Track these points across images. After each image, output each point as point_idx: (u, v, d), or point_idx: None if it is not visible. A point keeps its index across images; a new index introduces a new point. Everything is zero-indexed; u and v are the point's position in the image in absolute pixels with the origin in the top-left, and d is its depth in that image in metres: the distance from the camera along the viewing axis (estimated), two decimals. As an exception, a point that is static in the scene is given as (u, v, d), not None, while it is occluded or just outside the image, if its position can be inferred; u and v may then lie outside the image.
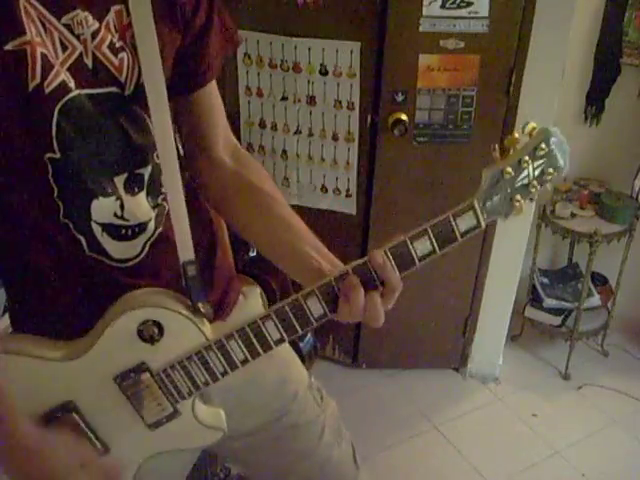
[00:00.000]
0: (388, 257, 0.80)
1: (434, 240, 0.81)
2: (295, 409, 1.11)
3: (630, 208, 2.53)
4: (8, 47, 0.72)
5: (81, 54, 0.79)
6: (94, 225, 0.84)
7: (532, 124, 0.81)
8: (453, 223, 0.81)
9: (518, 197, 0.87)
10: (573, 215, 2.54)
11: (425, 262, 0.82)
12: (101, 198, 0.83)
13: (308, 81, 2.10)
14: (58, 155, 0.79)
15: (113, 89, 0.82)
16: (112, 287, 0.87)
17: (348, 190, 2.25)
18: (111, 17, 0.80)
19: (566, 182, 2.69)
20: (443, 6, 1.92)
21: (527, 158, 0.82)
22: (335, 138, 2.18)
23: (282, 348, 0.98)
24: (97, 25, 0.79)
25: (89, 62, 0.79)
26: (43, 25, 0.75)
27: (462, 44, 1.98)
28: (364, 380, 2.55)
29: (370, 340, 2.52)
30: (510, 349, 2.66)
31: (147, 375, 0.85)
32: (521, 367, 2.65)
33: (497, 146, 0.82)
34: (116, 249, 0.87)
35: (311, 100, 2.13)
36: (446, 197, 2.23)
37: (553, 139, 0.81)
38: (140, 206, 0.87)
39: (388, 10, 1.93)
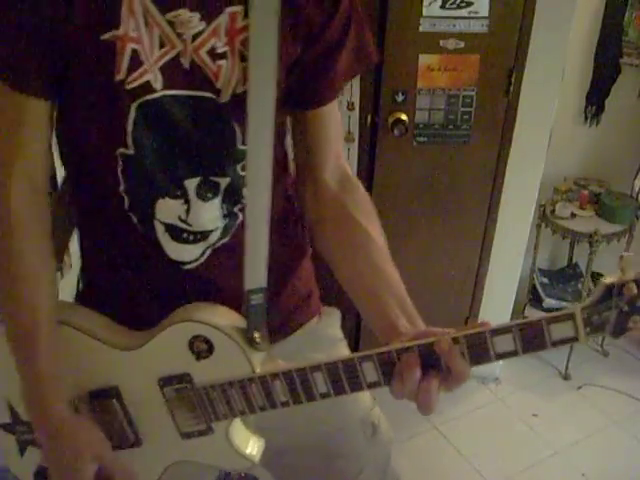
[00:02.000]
0: (462, 345, 0.72)
1: (518, 341, 0.71)
2: (338, 439, 1.04)
3: (630, 208, 2.53)
4: (104, 37, 0.73)
5: (179, 54, 0.77)
6: (157, 223, 0.84)
7: None
8: (545, 328, 0.71)
9: (638, 318, 0.69)
10: (573, 215, 2.54)
11: (503, 360, 0.73)
12: (167, 199, 0.83)
13: (308, 81, 2.10)
14: (131, 151, 0.79)
15: (207, 94, 0.79)
16: (169, 284, 0.88)
17: (348, 190, 2.25)
18: (223, 19, 0.77)
19: (566, 182, 2.69)
20: (443, 6, 1.92)
21: None
22: (335, 138, 2.17)
23: None
24: (202, 27, 0.76)
25: (186, 63, 0.77)
26: (145, 19, 0.74)
27: (462, 44, 1.98)
28: (364, 380, 2.55)
29: (371, 340, 2.52)
30: (510, 349, 2.66)
31: (189, 387, 0.84)
32: (521, 367, 2.65)
33: (624, 255, 0.69)
34: (174, 250, 0.86)
35: (311, 100, 2.13)
36: (446, 197, 2.23)
37: None
38: (208, 213, 0.85)
39: (388, 10, 1.93)
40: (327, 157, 0.93)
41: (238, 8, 0.77)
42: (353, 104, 2.09)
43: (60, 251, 0.98)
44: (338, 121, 0.95)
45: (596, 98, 2.63)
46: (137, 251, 0.87)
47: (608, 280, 0.68)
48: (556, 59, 2.06)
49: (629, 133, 2.63)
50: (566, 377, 2.62)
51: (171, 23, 0.75)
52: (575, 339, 0.71)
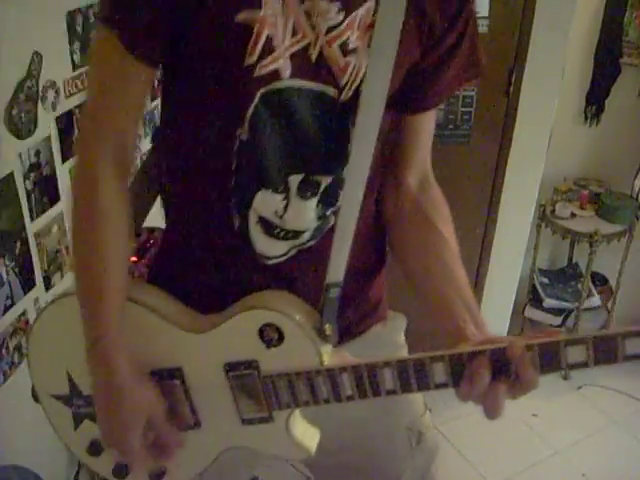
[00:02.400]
0: (534, 352, 0.72)
1: (592, 353, 0.70)
2: (381, 443, 1.04)
3: (630, 208, 2.53)
4: (239, 18, 0.72)
5: (309, 45, 0.75)
6: (252, 214, 0.83)
7: None
8: (620, 344, 0.69)
9: None
10: (573, 215, 2.54)
11: (573, 370, 0.74)
12: (270, 191, 0.82)
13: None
14: (245, 136, 0.78)
15: (329, 89, 0.78)
16: (248, 276, 0.87)
17: (348, 190, 2.25)
18: (362, 11, 0.75)
19: (566, 182, 2.69)
20: (443, 6, 1.92)
21: None
22: (335, 138, 2.17)
23: None
24: (339, 19, 0.74)
25: (314, 55, 0.76)
26: (283, 5, 0.73)
27: (462, 44, 1.98)
28: (364, 380, 2.55)
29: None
30: (510, 349, 2.66)
31: (255, 374, 0.84)
32: (521, 367, 2.65)
33: None
34: (262, 243, 0.85)
35: (311, 100, 2.13)
36: (446, 197, 2.22)
37: None
38: (304, 213, 0.84)
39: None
40: (414, 159, 0.94)
41: (372, 3, 0.75)
42: (353, 104, 2.09)
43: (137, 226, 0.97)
44: (432, 127, 0.94)
45: (596, 98, 2.62)
46: (223, 238, 0.87)
47: None
48: (556, 59, 2.06)
49: (629, 133, 2.63)
50: (566, 377, 2.62)
51: (307, 12, 0.74)
52: None
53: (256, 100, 0.76)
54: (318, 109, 0.79)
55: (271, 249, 0.86)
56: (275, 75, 0.75)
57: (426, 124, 0.92)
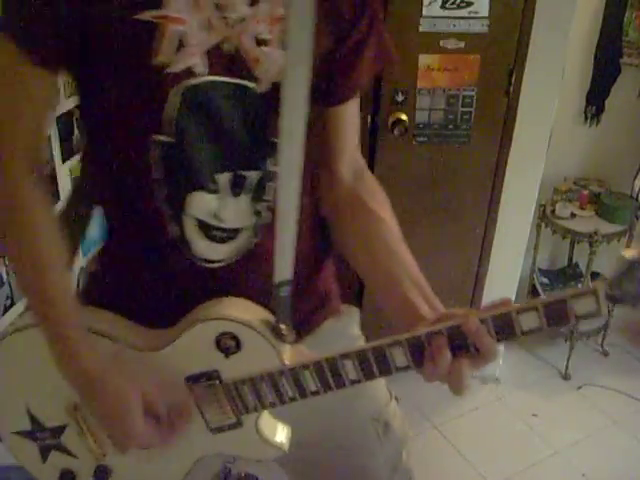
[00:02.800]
0: (488, 325, 0.73)
1: (544, 317, 0.72)
2: (347, 435, 1.04)
3: (630, 208, 2.53)
4: (139, 16, 0.70)
5: (224, 39, 0.75)
6: (186, 218, 0.82)
7: None
8: (568, 305, 0.72)
9: None
10: (573, 215, 2.54)
11: (529, 336, 0.75)
12: (200, 192, 0.81)
13: (308, 81, 2.10)
14: (165, 138, 0.77)
15: (246, 83, 0.78)
16: (192, 283, 0.87)
17: (348, 190, 2.25)
18: (267, 4, 0.76)
19: (566, 182, 2.69)
20: (443, 6, 1.92)
21: None
22: (335, 138, 2.17)
23: None
24: (246, 11, 0.75)
25: (230, 49, 0.75)
26: (194, 1, 0.72)
27: (462, 44, 1.98)
28: (364, 380, 2.55)
29: (370, 340, 2.52)
30: (510, 349, 2.66)
31: (217, 383, 0.84)
32: (521, 367, 2.65)
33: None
34: (202, 248, 0.85)
35: (311, 100, 2.13)
36: (446, 197, 2.23)
37: None
38: (240, 211, 0.84)
39: (388, 10, 1.93)
40: (344, 151, 0.94)
41: None
42: (353, 104, 2.09)
43: (74, 246, 0.97)
44: (357, 116, 0.94)
45: (596, 98, 2.63)
46: (162, 247, 0.85)
47: (628, 254, 0.71)
48: (556, 59, 2.06)
49: (629, 133, 2.63)
50: (566, 377, 2.62)
51: (219, 6, 0.73)
52: (598, 313, 0.72)
53: (176, 100, 0.75)
54: (238, 104, 0.78)
55: (212, 253, 0.86)
56: (189, 73, 0.74)
57: (350, 114, 0.92)
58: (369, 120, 2.11)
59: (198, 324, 0.82)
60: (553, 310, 0.72)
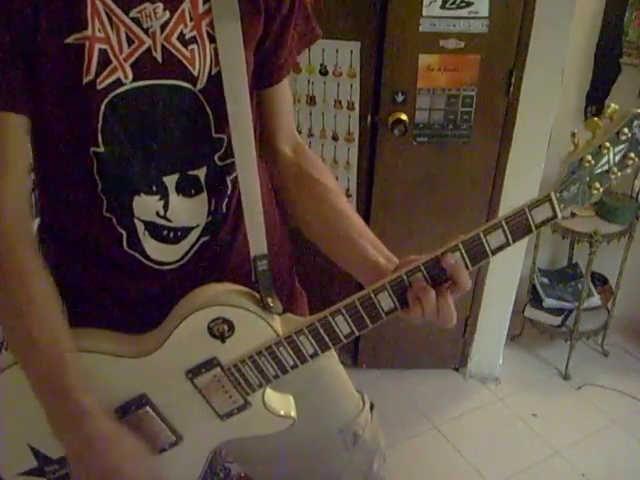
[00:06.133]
0: (461, 251, 0.79)
1: (508, 233, 0.79)
2: (315, 447, 1.06)
3: (630, 208, 2.53)
4: (69, 40, 0.73)
5: (149, 48, 0.77)
6: (137, 222, 0.84)
7: (613, 106, 0.77)
8: (528, 215, 0.79)
9: (597, 185, 0.81)
10: (573, 215, 2.53)
11: (498, 254, 0.81)
12: (143, 195, 0.83)
13: (308, 81, 2.10)
14: (102, 149, 0.79)
15: (182, 83, 0.80)
16: (151, 286, 0.88)
17: (348, 190, 2.25)
18: (187, 5, 0.78)
19: (566, 182, 2.69)
20: (443, 6, 1.92)
21: (608, 144, 0.77)
22: (335, 138, 2.18)
23: (336, 381, 1.03)
24: (168, 16, 0.77)
25: (158, 55, 0.78)
26: (110, 19, 0.75)
27: (462, 44, 1.98)
28: (364, 380, 2.54)
29: (370, 340, 2.52)
30: (510, 349, 2.66)
31: (218, 369, 0.86)
32: (521, 367, 2.65)
33: (575, 132, 0.79)
34: (155, 250, 0.86)
35: (311, 100, 2.13)
36: (446, 197, 2.23)
37: (636, 122, 0.77)
38: (191, 209, 0.86)
39: (388, 10, 1.93)
40: (281, 129, 0.98)
41: None
42: (353, 104, 2.09)
43: None
44: (289, 92, 0.98)
45: (596, 98, 2.62)
46: (116, 255, 0.86)
47: (571, 158, 0.79)
48: (556, 59, 2.06)
49: (629, 133, 2.63)
50: (566, 377, 2.62)
51: (136, 20, 0.76)
52: (555, 217, 0.80)
53: (102, 111, 0.77)
54: (172, 104, 0.80)
55: (166, 254, 0.87)
56: (117, 84, 0.76)
57: (283, 92, 0.96)
58: (369, 120, 2.11)
59: (187, 318, 0.83)
60: (515, 223, 0.78)
